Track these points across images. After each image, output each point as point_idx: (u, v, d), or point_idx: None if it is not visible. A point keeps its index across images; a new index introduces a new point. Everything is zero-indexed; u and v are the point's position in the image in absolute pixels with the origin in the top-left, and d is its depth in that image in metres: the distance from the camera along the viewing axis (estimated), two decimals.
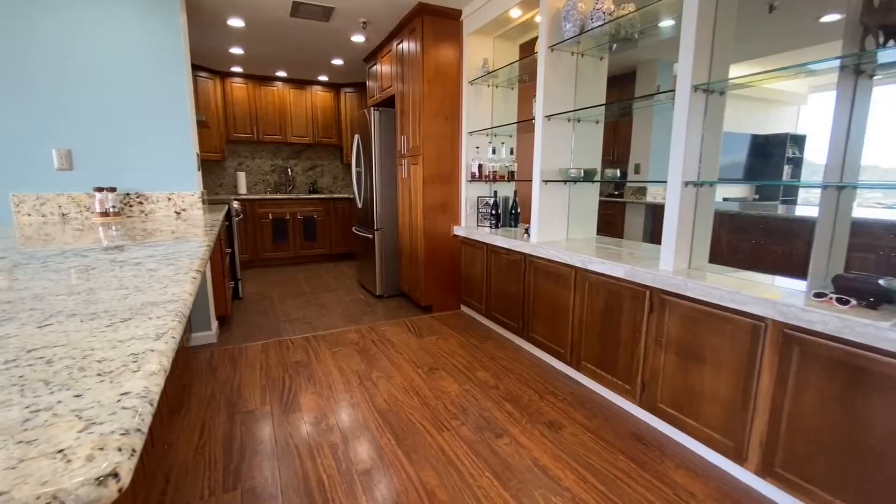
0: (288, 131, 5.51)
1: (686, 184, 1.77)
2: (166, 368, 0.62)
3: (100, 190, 2.43)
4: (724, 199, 5.49)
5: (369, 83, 4.45)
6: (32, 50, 2.29)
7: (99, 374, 0.57)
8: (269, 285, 4.46)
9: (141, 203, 2.62)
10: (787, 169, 5.42)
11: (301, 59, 4.62)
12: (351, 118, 5.25)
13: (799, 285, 1.55)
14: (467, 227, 3.41)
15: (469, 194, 3.42)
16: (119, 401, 0.51)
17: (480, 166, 3.29)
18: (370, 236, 3.91)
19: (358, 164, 4.11)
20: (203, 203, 2.87)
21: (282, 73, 5.21)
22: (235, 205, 3.89)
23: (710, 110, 1.75)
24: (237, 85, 5.18)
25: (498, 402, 2.14)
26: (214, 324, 2.99)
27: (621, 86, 5.00)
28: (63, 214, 2.47)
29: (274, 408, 2.09)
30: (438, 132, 3.30)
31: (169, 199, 2.68)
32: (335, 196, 5.58)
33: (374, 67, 4.24)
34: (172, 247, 1.56)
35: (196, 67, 4.76)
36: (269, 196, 5.25)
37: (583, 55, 2.53)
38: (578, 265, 2.22)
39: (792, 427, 1.41)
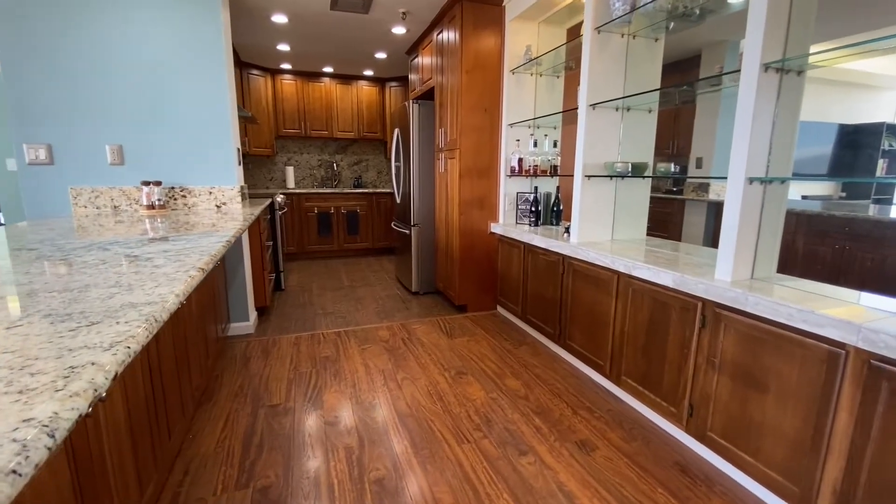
0: (334, 126, 5.60)
1: (751, 180, 1.52)
2: (98, 387, 0.56)
3: (146, 184, 2.54)
4: (804, 198, 4.89)
5: (411, 76, 4.38)
6: (86, 50, 2.42)
7: (20, 392, 0.51)
8: (312, 277, 4.55)
9: (184, 196, 2.72)
10: (881, 163, 4.73)
11: (345, 54, 4.64)
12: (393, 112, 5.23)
13: (893, 305, 1.27)
14: (505, 224, 3.25)
15: (508, 190, 3.25)
16: (16, 429, 0.44)
17: (521, 160, 3.11)
18: (407, 232, 3.86)
19: (397, 159, 4.06)
20: (243, 197, 2.94)
21: (328, 69, 5.28)
22: (279, 199, 3.98)
23: (785, 93, 1.48)
24: (286, 81, 5.32)
25: (526, 415, 2.00)
26: (253, 315, 3.07)
27: (684, 72, 4.57)
28: (115, 207, 2.61)
29: (297, 403, 2.08)
30: (477, 124, 3.16)
31: (210, 192, 2.76)
32: (378, 191, 5.60)
33: (416, 60, 4.16)
34: (193, 241, 1.56)
35: (247, 65, 4.94)
36: (314, 190, 5.36)
37: (634, 36, 2.28)
38: (621, 270, 2.01)
39: (876, 478, 1.15)
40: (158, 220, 2.32)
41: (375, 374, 2.38)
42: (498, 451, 1.74)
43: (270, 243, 3.65)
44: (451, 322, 3.20)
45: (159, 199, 2.60)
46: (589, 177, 2.36)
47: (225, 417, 1.96)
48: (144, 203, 2.55)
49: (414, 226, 3.78)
